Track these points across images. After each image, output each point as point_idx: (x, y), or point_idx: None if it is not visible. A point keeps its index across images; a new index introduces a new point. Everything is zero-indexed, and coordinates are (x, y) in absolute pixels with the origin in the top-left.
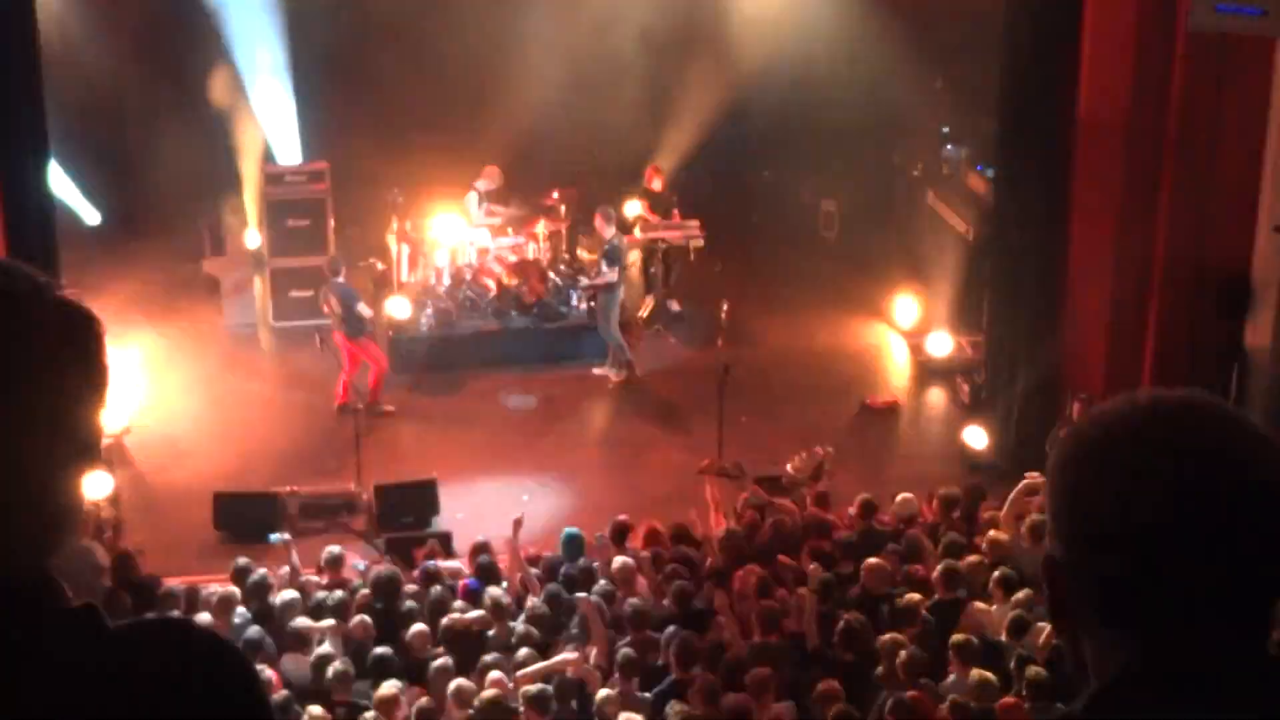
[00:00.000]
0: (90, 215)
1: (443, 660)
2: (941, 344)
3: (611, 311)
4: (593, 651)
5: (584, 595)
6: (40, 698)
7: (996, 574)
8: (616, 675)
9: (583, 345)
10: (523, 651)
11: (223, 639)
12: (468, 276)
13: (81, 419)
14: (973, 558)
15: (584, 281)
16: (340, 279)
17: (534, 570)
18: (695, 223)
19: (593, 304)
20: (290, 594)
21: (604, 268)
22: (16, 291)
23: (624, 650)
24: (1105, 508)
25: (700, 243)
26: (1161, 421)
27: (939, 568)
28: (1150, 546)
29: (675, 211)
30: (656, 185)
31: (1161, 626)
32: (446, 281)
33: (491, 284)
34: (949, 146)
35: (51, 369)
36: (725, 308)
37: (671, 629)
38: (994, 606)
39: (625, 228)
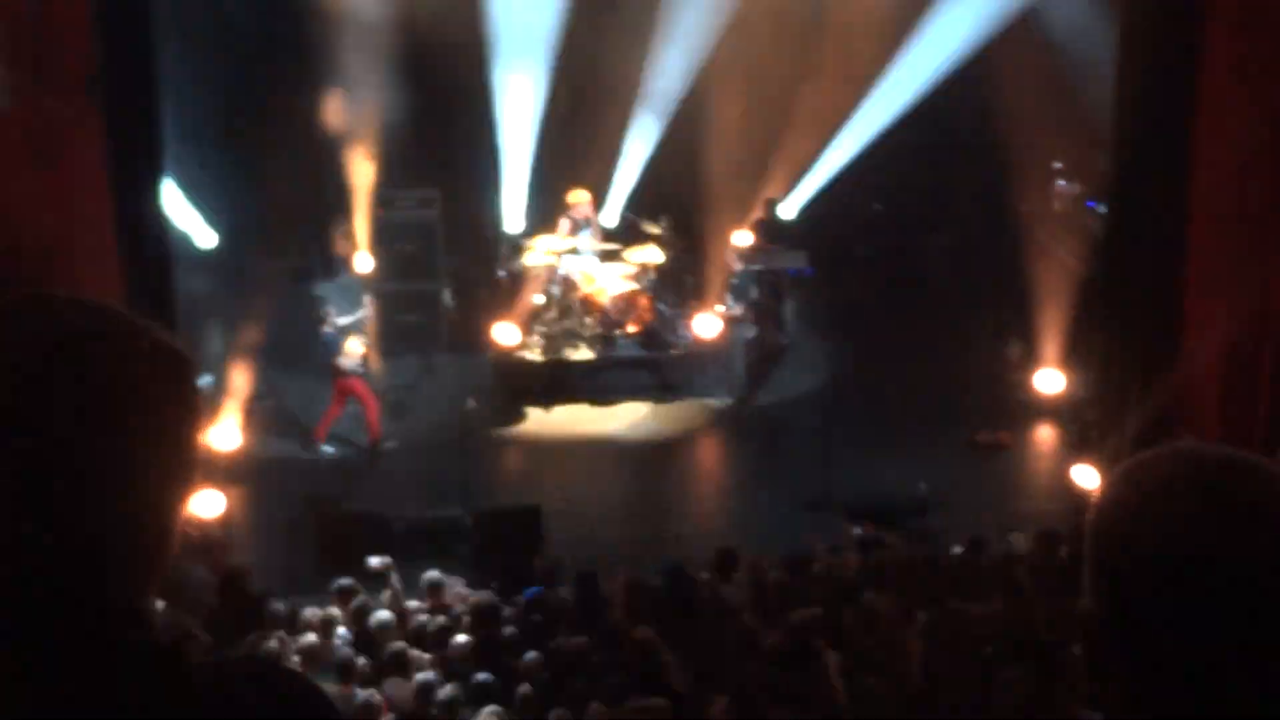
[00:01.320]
0: (204, 238)
1: (526, 688)
2: (1052, 381)
3: (738, 346)
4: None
5: (645, 628)
6: None
7: None
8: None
9: (688, 375)
10: (617, 682)
11: (308, 683)
12: (575, 304)
13: (178, 449)
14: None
15: (711, 314)
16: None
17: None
18: (804, 254)
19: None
20: (387, 615)
21: (730, 301)
22: (110, 336)
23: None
24: (1140, 565)
25: (809, 273)
26: (1199, 477)
27: (1046, 609)
28: (1185, 604)
29: (786, 242)
30: (767, 216)
31: (1196, 682)
32: (553, 309)
33: (598, 312)
34: (1061, 182)
35: (143, 427)
36: (832, 338)
37: (761, 669)
38: None
39: (745, 260)
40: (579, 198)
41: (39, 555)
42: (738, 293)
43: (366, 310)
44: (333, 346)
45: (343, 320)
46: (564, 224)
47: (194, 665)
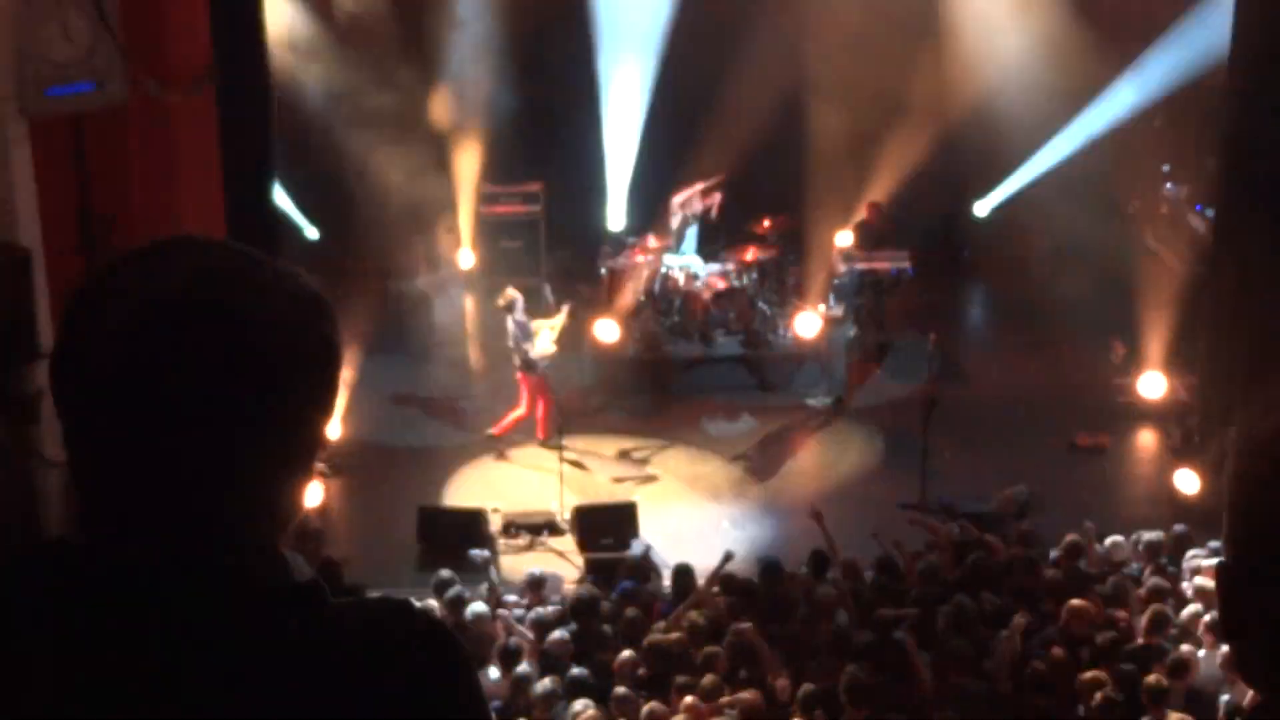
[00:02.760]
0: (310, 230)
1: (624, 689)
2: (1154, 385)
3: (839, 346)
4: (781, 683)
5: (746, 625)
6: (262, 670)
7: (1206, 619)
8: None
9: (788, 375)
10: (709, 678)
11: (439, 620)
12: (676, 302)
13: (312, 424)
14: (1185, 609)
15: (812, 313)
16: (518, 315)
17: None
18: (905, 254)
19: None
20: (481, 607)
21: (831, 302)
22: (258, 280)
23: (806, 686)
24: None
25: (911, 273)
26: None
27: (1145, 613)
28: None
29: (888, 243)
30: (871, 217)
31: None
32: (654, 306)
33: (699, 310)
34: (1169, 185)
35: (290, 368)
36: (933, 339)
37: (851, 668)
38: (1202, 653)
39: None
40: (688, 192)
41: (183, 489)
42: (839, 293)
43: (563, 315)
44: (521, 342)
45: (535, 323)
46: (674, 218)
47: (335, 602)
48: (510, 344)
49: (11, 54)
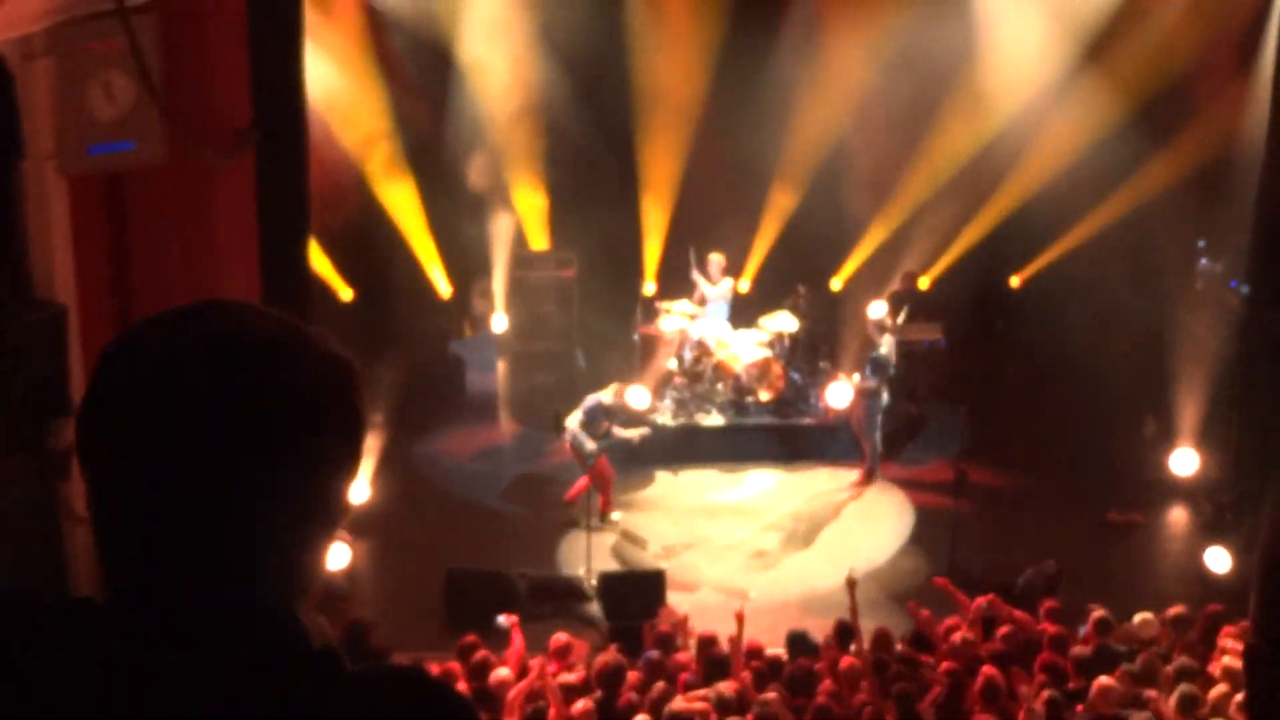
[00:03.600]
0: (344, 292)
1: None
2: (1187, 461)
3: (874, 417)
4: None
5: (771, 696)
6: None
7: (1237, 699)
8: None
9: (820, 445)
10: None
11: (456, 692)
12: (707, 370)
13: (335, 487)
14: (1214, 688)
15: (844, 383)
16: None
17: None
18: (938, 325)
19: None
20: (506, 672)
21: (868, 373)
22: (284, 343)
23: None
24: None
25: (943, 345)
26: None
27: (1174, 692)
28: None
29: (921, 314)
30: (904, 287)
31: None
32: (686, 373)
33: (730, 378)
34: (1204, 260)
35: (314, 432)
36: (964, 412)
37: None
38: None
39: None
40: (715, 259)
41: (200, 552)
42: (875, 364)
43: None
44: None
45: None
46: (700, 284)
47: (349, 669)
48: (577, 430)
49: (53, 112)
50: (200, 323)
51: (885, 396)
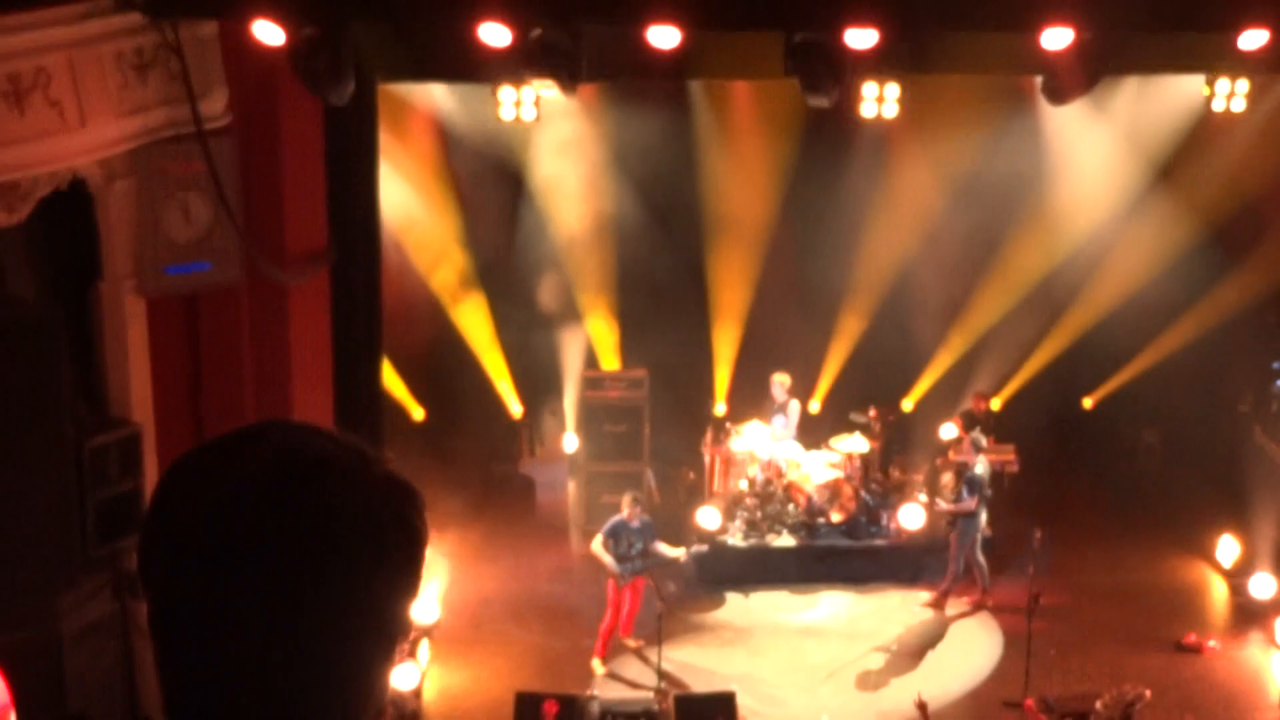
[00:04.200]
0: (416, 411)
1: None
2: (1264, 586)
3: (967, 538)
4: None
5: None
6: None
7: None
8: None
9: (892, 566)
10: None
11: None
12: (778, 490)
13: (396, 608)
14: None
15: (942, 505)
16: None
17: None
18: (1011, 448)
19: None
20: None
21: (965, 494)
22: (344, 465)
23: None
24: None
25: (1015, 468)
26: None
27: None
28: None
29: (993, 435)
30: (975, 408)
31: None
32: (757, 494)
33: (802, 499)
34: (1279, 382)
35: (373, 554)
36: (1038, 535)
37: None
38: None
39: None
40: (781, 380)
41: (260, 674)
42: (969, 484)
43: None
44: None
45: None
46: (771, 406)
47: None
48: (599, 550)
49: (133, 234)
50: (261, 444)
51: (983, 517)
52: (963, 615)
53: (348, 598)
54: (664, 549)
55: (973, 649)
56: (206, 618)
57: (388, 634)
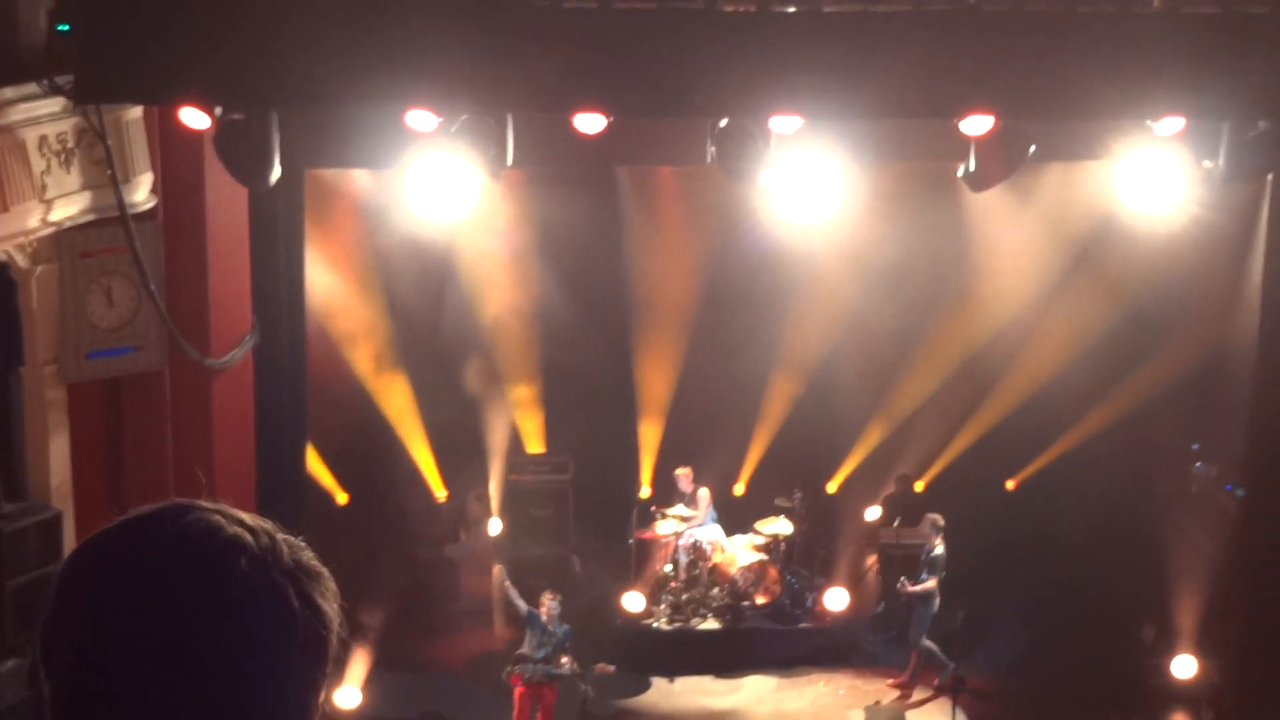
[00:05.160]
0: (340, 495)
1: None
2: (1186, 667)
3: (925, 622)
4: None
5: None
6: None
7: None
8: None
9: (817, 649)
10: None
11: None
12: (703, 574)
13: (306, 695)
14: None
15: (905, 585)
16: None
17: None
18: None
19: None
20: None
21: (924, 575)
22: (254, 549)
23: None
24: None
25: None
26: None
27: None
28: None
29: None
30: (899, 490)
31: None
32: (682, 578)
33: (726, 583)
34: (1199, 464)
35: (283, 640)
36: (960, 616)
37: None
38: None
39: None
40: (681, 472)
41: None
42: (929, 565)
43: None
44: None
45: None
46: (682, 498)
47: None
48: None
49: (55, 319)
50: (168, 526)
51: (937, 600)
52: (886, 697)
53: (255, 685)
54: (564, 666)
55: None
56: (108, 707)
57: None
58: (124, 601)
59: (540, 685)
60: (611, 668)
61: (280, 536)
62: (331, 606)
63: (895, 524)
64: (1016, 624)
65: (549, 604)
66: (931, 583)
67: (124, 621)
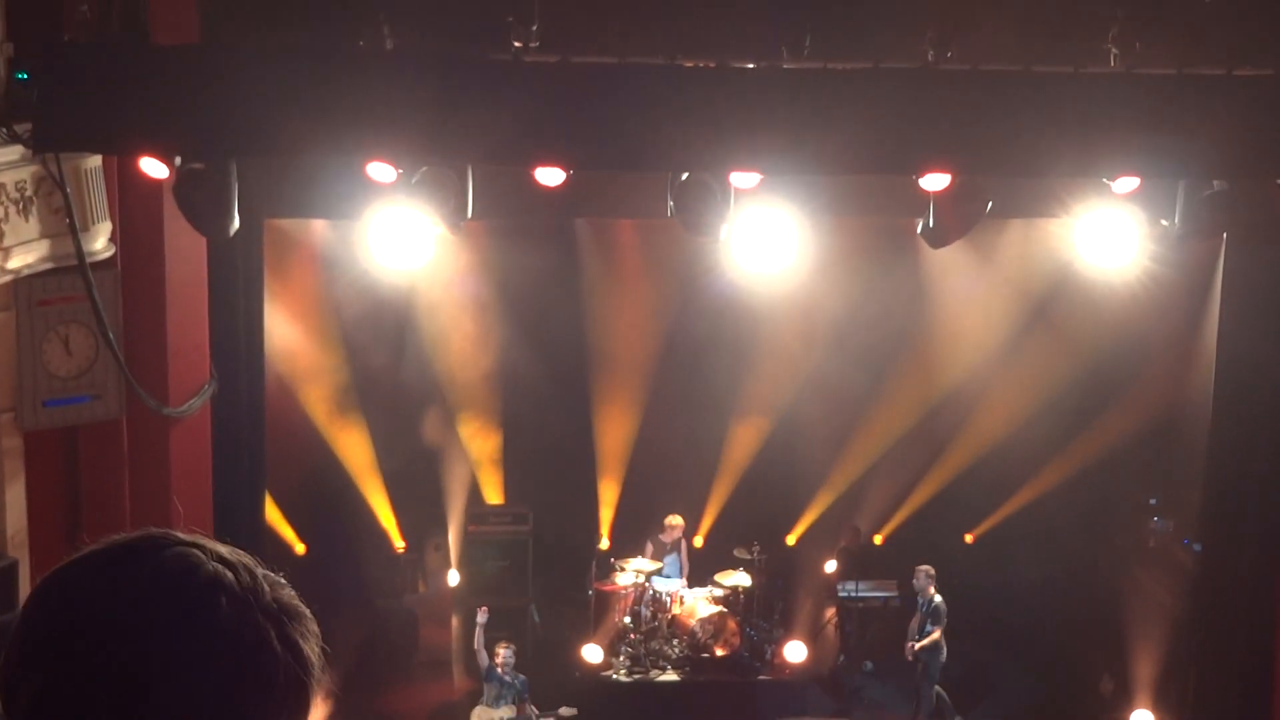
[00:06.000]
0: (298, 546)
1: None
2: None
3: (935, 668)
4: None
5: None
6: None
7: None
8: None
9: (778, 701)
10: None
11: None
12: (663, 626)
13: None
14: None
15: (916, 644)
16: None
17: None
18: (893, 582)
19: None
20: None
21: (929, 626)
22: (236, 587)
23: None
24: None
25: (898, 602)
26: None
27: None
28: None
29: (874, 571)
30: (849, 541)
31: None
32: (641, 630)
33: (685, 635)
34: (1156, 519)
35: (265, 682)
36: (920, 669)
37: None
38: None
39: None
40: (674, 521)
41: None
42: (933, 615)
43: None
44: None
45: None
46: (649, 546)
47: None
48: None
49: (12, 367)
50: (144, 559)
51: (944, 650)
52: None
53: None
54: (529, 715)
55: None
56: None
57: None
58: (90, 643)
59: None
60: (573, 710)
61: (260, 572)
62: (313, 649)
63: (853, 576)
64: (974, 676)
65: (503, 654)
66: (936, 633)
67: (89, 664)
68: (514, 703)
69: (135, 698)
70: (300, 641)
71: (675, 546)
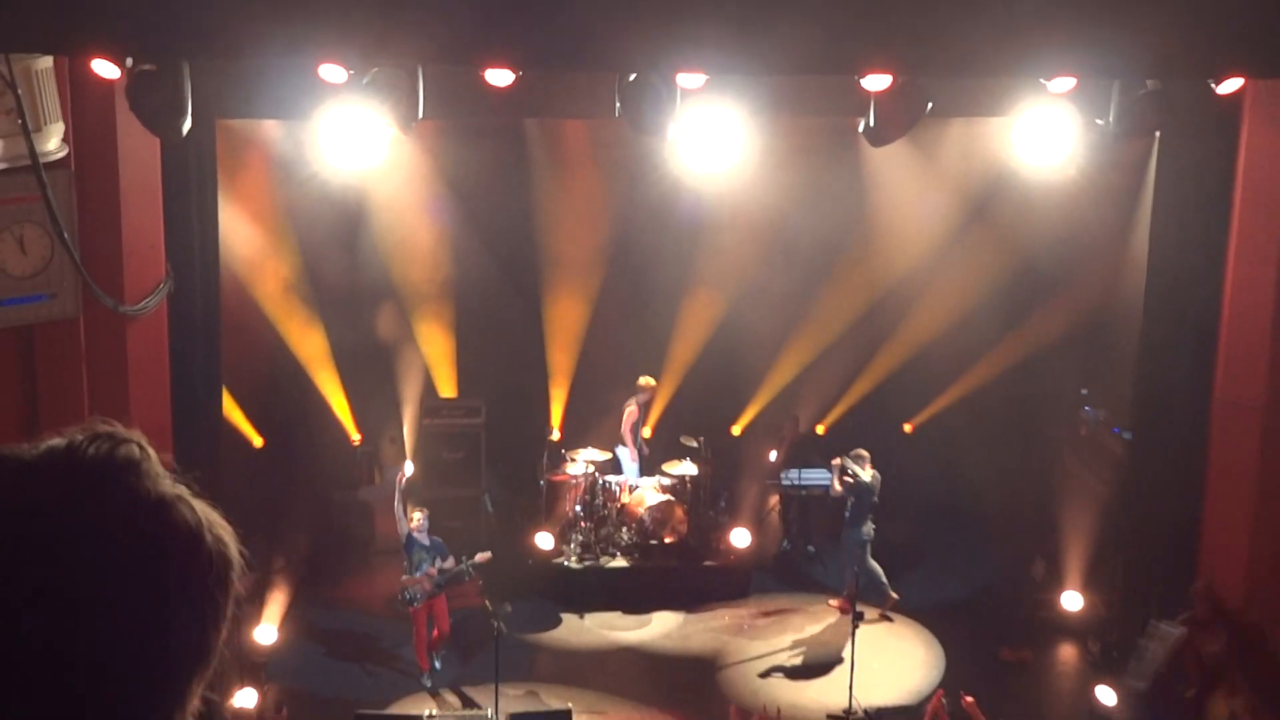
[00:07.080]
0: (255, 439)
1: None
2: (1074, 601)
3: (854, 544)
4: None
5: None
6: None
7: None
8: None
9: (723, 586)
10: None
11: None
12: (612, 514)
13: (199, 638)
14: None
15: (744, 528)
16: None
17: None
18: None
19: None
20: None
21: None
22: (135, 489)
23: None
24: None
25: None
26: None
27: None
28: None
29: (814, 459)
30: (789, 431)
31: None
32: (591, 518)
33: (634, 522)
34: (1087, 409)
35: (158, 580)
36: (859, 552)
37: None
38: None
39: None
40: (646, 382)
41: (57, 708)
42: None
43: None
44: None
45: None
46: (630, 406)
47: None
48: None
49: None
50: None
51: (870, 526)
52: (782, 630)
53: (143, 625)
54: (451, 565)
55: (793, 660)
56: None
57: (189, 662)
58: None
59: (432, 599)
60: (488, 554)
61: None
62: (219, 547)
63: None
64: (910, 559)
65: (417, 518)
66: (866, 474)
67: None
68: (431, 563)
69: (39, 591)
70: (200, 539)
71: (647, 409)
